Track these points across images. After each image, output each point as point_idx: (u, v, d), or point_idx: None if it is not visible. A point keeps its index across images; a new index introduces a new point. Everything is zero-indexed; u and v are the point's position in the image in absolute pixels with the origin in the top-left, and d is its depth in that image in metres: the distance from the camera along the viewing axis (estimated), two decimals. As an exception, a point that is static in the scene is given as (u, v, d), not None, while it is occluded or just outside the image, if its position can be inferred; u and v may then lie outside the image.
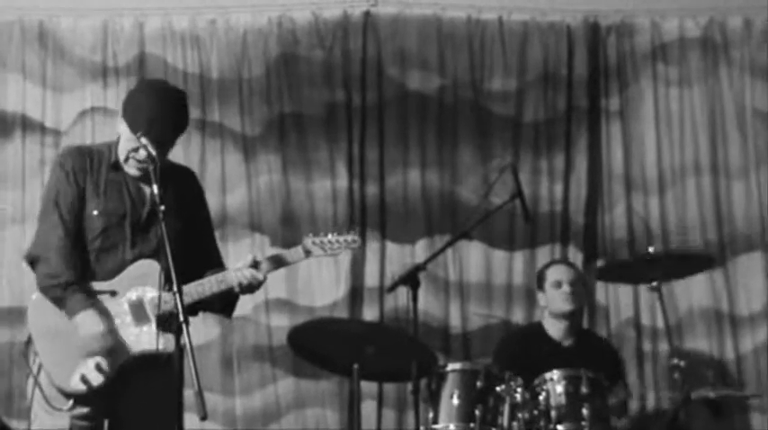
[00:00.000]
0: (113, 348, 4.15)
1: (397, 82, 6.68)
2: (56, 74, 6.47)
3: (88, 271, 4.22)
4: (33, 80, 6.44)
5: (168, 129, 4.25)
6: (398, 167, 6.64)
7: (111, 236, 4.24)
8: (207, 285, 4.24)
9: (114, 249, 4.24)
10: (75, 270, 4.19)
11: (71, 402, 4.14)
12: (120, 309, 4.20)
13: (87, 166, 4.31)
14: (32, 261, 4.26)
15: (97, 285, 4.21)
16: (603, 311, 6.56)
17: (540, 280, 5.92)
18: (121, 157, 4.30)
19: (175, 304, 3.75)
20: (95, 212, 4.26)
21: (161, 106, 4.23)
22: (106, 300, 4.20)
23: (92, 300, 4.17)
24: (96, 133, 6.30)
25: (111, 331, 4.15)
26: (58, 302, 4.17)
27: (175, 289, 3.77)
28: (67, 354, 4.14)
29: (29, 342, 4.26)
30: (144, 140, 4.14)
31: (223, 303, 4.38)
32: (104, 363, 4.13)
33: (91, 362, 4.12)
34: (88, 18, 6.53)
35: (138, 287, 4.21)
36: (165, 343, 4.05)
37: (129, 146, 4.24)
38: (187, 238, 4.27)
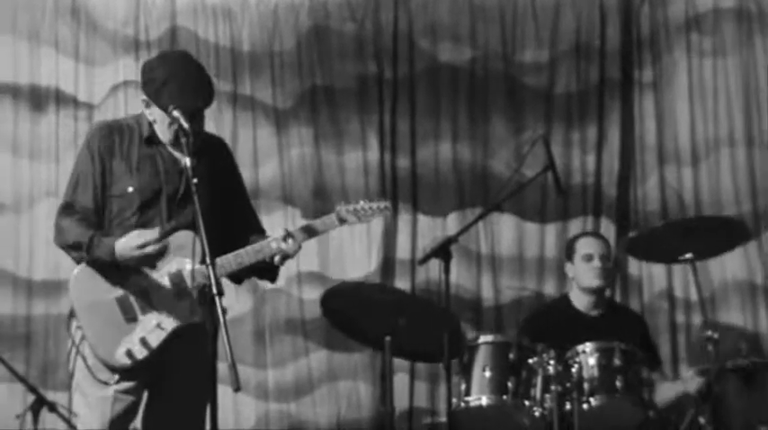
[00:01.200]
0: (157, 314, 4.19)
1: (428, 54, 6.66)
2: (89, 47, 6.49)
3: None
4: (66, 54, 6.46)
5: (200, 99, 4.27)
6: (430, 140, 6.63)
7: (147, 211, 4.25)
8: (244, 256, 4.25)
9: (151, 224, 4.24)
10: (96, 229, 4.21)
11: (117, 376, 4.18)
12: (160, 281, 4.22)
13: (116, 144, 4.31)
14: (58, 242, 4.30)
15: None
16: (636, 283, 6.54)
17: (570, 251, 5.88)
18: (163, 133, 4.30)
19: (210, 277, 3.77)
20: (131, 189, 4.26)
21: (192, 77, 4.25)
22: (147, 273, 4.22)
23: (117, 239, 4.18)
24: (129, 107, 6.32)
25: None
26: (97, 262, 4.18)
27: (209, 261, 3.79)
28: (112, 328, 4.17)
29: (71, 315, 4.28)
30: (176, 113, 4.16)
31: (264, 267, 4.37)
32: (150, 337, 4.15)
33: (136, 337, 4.16)
34: (120, -9, 6.56)
35: (177, 259, 4.22)
36: (204, 316, 4.06)
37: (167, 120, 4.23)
38: (223, 208, 4.29)
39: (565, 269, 5.96)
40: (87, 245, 4.17)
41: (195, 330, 4.14)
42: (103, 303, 4.18)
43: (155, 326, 4.18)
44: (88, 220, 4.25)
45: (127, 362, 4.16)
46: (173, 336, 4.19)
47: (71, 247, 4.24)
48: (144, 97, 4.31)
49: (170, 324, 4.19)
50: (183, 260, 4.21)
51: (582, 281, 5.79)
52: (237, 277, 4.37)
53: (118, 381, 4.18)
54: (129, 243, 4.14)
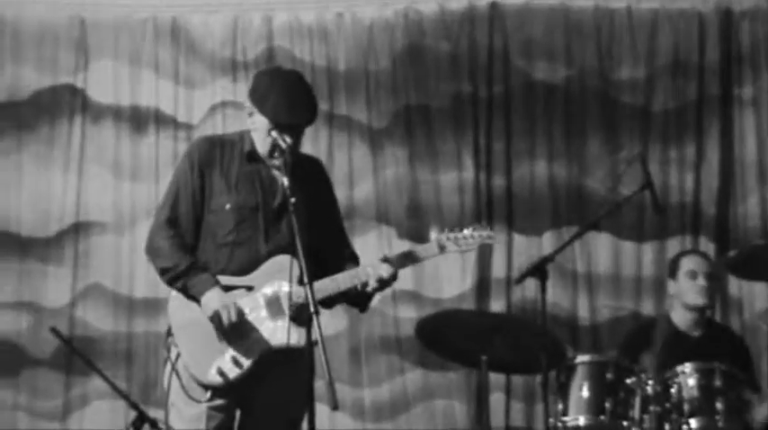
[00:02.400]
0: (249, 336, 4.22)
1: (523, 72, 6.65)
2: (188, 69, 6.60)
3: (222, 264, 4.26)
4: (166, 76, 6.58)
5: (298, 116, 4.30)
6: (525, 158, 6.61)
7: (245, 229, 4.27)
8: (341, 281, 4.24)
9: (248, 243, 4.27)
10: (193, 256, 4.25)
11: (209, 394, 4.21)
12: (256, 303, 4.24)
13: (217, 158, 4.32)
14: (149, 256, 4.34)
15: (234, 280, 4.25)
16: (737, 303, 6.44)
17: (674, 268, 5.78)
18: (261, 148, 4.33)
19: (306, 296, 3.79)
20: (228, 206, 4.27)
21: (295, 93, 4.27)
22: (243, 295, 4.24)
23: (215, 279, 4.20)
24: (227, 127, 6.40)
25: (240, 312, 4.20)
26: (185, 292, 4.23)
27: (306, 280, 3.81)
28: (206, 347, 4.20)
29: (169, 333, 4.32)
30: (275, 133, 4.20)
31: (357, 294, 4.36)
32: (241, 357, 4.19)
33: (228, 356, 4.19)
34: (218, 14, 6.65)
35: (274, 282, 4.24)
36: (299, 337, 4.07)
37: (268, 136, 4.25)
38: (317, 228, 4.28)
39: (667, 287, 5.85)
40: (182, 272, 4.21)
41: (289, 352, 4.15)
42: (200, 322, 4.22)
43: (248, 347, 4.21)
44: (185, 242, 4.28)
45: (219, 380, 4.19)
46: (265, 358, 4.20)
47: (162, 270, 4.27)
48: (248, 104, 4.33)
49: (263, 345, 4.21)
50: (280, 283, 4.22)
51: (685, 298, 5.69)
52: (328, 302, 4.32)
53: (210, 399, 4.22)
54: (219, 299, 4.17)
